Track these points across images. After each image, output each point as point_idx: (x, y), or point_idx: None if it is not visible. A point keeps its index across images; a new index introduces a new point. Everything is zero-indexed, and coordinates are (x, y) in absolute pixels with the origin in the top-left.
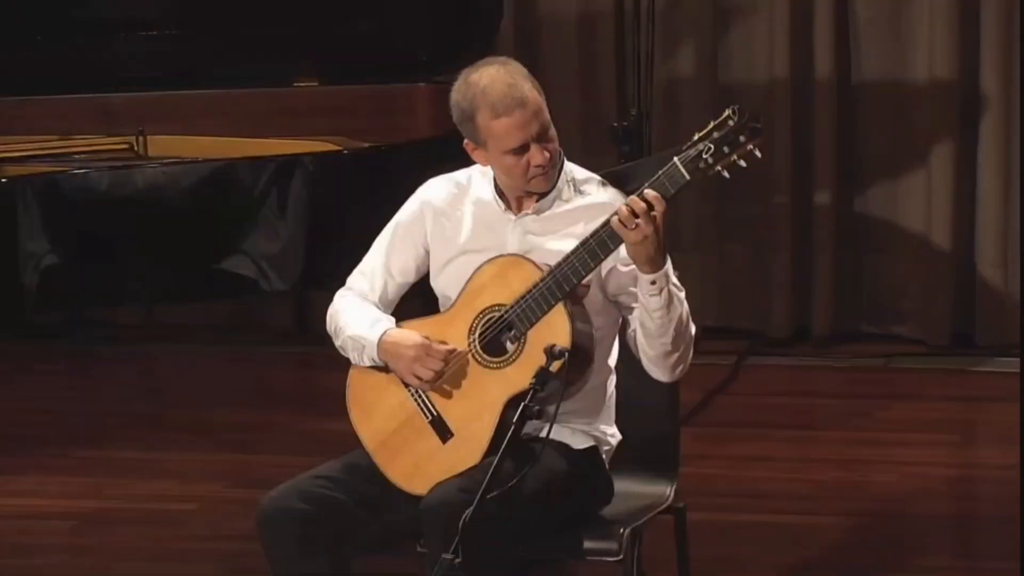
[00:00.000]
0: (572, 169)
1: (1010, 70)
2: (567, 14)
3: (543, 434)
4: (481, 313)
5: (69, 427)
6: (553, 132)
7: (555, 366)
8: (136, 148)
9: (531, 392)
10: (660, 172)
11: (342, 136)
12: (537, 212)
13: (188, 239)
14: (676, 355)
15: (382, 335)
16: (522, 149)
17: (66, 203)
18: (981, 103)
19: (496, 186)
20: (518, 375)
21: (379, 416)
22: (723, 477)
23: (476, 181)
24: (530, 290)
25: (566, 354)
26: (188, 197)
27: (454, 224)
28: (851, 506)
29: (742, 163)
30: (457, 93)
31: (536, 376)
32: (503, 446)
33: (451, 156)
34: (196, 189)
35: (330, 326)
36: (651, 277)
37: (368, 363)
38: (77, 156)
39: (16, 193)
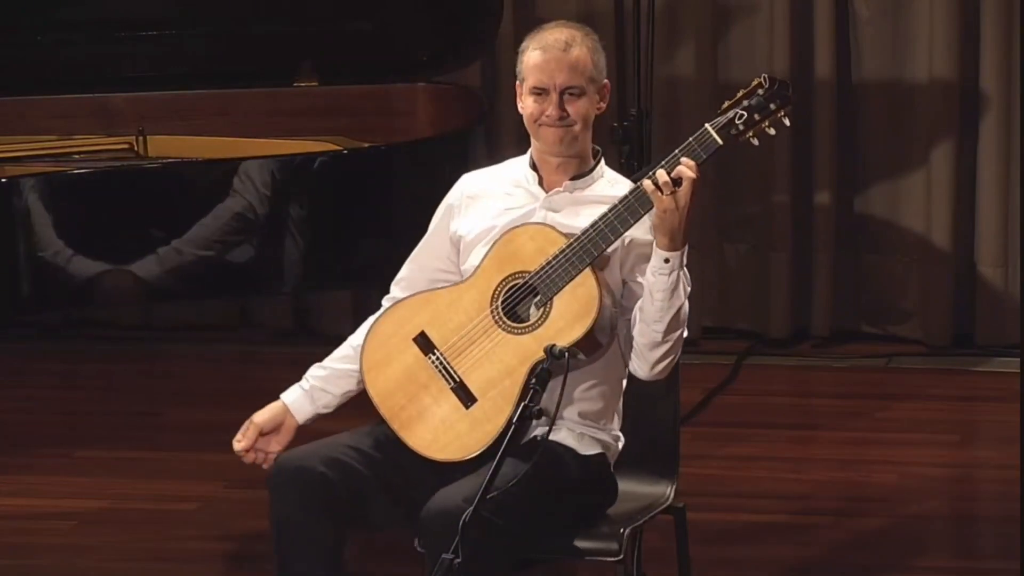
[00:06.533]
0: (606, 169)
1: (1010, 70)
2: (567, 14)
3: (546, 434)
4: (504, 280)
5: (69, 427)
6: (585, 100)
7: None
8: (136, 148)
9: (531, 392)
10: (691, 138)
11: (342, 136)
12: (569, 190)
13: (188, 239)
14: (663, 348)
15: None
16: (542, 92)
17: (66, 203)
18: (981, 103)
19: (532, 160)
20: (542, 342)
21: (395, 382)
22: (723, 477)
23: (513, 165)
24: (556, 256)
25: (567, 354)
26: (188, 197)
27: (485, 205)
28: (851, 506)
29: (771, 131)
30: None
31: (537, 376)
32: (503, 446)
33: (451, 156)
34: (196, 189)
35: None
36: (666, 255)
37: None
38: (77, 156)
39: (16, 193)
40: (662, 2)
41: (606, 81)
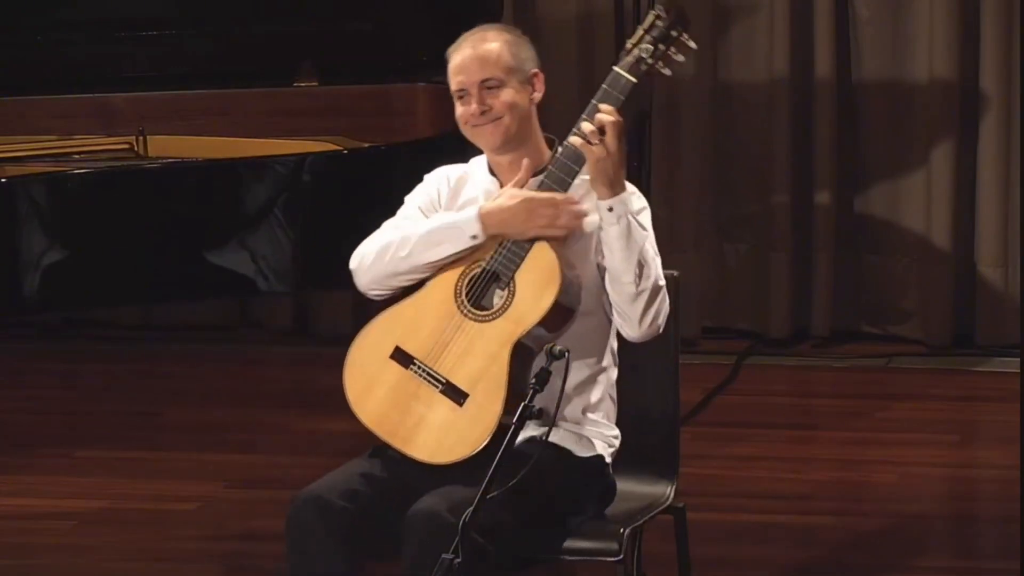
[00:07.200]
0: None
1: (1010, 70)
2: (567, 14)
3: (544, 435)
4: (463, 274)
5: (69, 427)
6: (508, 91)
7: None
8: (136, 148)
9: (531, 392)
10: (604, 85)
11: (342, 136)
12: (532, 187)
13: (188, 239)
14: (642, 300)
15: (479, 211)
16: (464, 93)
17: (66, 203)
18: (981, 103)
19: (489, 166)
20: (515, 321)
21: (385, 402)
22: (723, 477)
23: (475, 168)
24: (506, 235)
25: (567, 354)
26: (188, 197)
27: (463, 207)
28: (851, 506)
29: (680, 57)
30: None
31: (536, 376)
32: (502, 447)
33: (450, 156)
34: (196, 189)
35: (379, 252)
36: (609, 203)
37: (454, 250)
38: (77, 156)
39: (16, 193)
40: (662, 2)
41: (535, 70)
